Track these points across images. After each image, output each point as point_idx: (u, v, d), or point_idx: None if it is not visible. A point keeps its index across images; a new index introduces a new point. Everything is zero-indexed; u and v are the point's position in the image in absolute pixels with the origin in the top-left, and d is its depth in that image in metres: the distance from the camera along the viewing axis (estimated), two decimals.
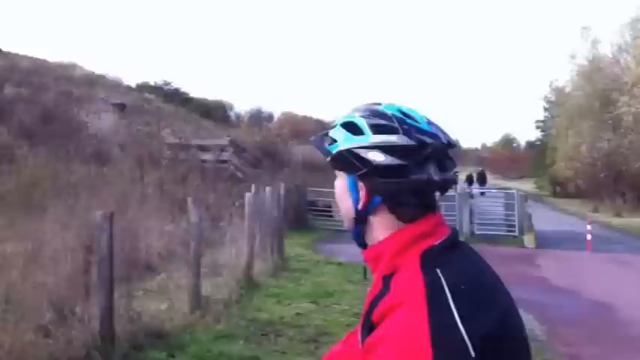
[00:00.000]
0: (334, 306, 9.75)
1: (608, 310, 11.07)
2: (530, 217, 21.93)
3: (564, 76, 53.77)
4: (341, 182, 1.63)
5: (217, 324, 7.85)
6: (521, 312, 6.10)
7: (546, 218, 29.40)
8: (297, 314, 9.04)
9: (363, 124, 1.57)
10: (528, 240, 20.93)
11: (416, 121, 1.57)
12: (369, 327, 1.44)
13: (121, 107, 25.90)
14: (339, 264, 14.15)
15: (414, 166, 1.51)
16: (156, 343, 6.84)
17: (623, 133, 40.62)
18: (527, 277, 14.35)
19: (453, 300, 1.39)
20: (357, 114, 1.61)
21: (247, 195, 11.81)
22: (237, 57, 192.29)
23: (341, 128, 1.61)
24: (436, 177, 1.53)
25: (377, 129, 1.55)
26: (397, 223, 1.55)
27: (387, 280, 1.49)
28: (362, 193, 1.57)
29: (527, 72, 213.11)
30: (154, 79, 42.01)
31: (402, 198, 1.55)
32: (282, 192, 15.04)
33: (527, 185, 66.96)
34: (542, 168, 60.29)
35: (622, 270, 16.25)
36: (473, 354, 1.33)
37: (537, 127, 68.66)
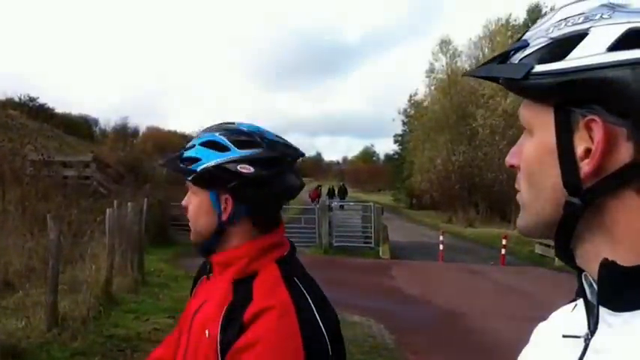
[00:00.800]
0: None
1: (456, 318, 11.45)
2: (385, 228, 22.42)
3: (423, 89, 54.43)
4: (199, 199, 1.74)
5: (74, 341, 7.76)
6: (373, 321, 6.76)
7: (402, 230, 30.21)
8: (155, 329, 9.03)
9: (225, 140, 1.69)
10: (383, 251, 21.43)
11: (270, 136, 1.74)
12: (239, 326, 1.55)
13: None
14: None
15: (277, 175, 1.70)
16: None
17: (478, 145, 41.91)
18: (381, 287, 14.73)
19: (314, 306, 1.60)
20: (216, 133, 1.71)
21: (108, 211, 11.80)
22: (104, 71, 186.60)
23: (202, 147, 1.71)
24: (295, 184, 1.75)
25: (241, 144, 1.69)
26: (252, 233, 1.72)
27: (241, 284, 1.64)
28: (226, 206, 1.70)
29: (390, 84, 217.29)
30: (18, 94, 40.46)
31: (265, 206, 1.73)
32: (144, 207, 15.04)
33: (385, 198, 67.88)
34: (400, 181, 61.11)
35: (471, 279, 16.87)
36: (330, 352, 1.56)
37: (395, 142, 68.95)
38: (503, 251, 20.80)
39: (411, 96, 57.98)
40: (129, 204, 13.53)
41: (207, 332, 1.64)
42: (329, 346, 1.57)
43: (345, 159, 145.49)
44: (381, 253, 21.48)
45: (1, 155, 18.57)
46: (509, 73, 0.87)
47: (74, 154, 25.53)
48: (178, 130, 59.85)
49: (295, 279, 1.66)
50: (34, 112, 35.50)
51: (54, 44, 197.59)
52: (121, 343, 8.15)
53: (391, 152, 75.41)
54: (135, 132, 56.15)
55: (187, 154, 1.75)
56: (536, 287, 14.96)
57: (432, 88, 50.04)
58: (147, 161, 31.08)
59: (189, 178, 1.74)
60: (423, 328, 10.79)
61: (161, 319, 9.83)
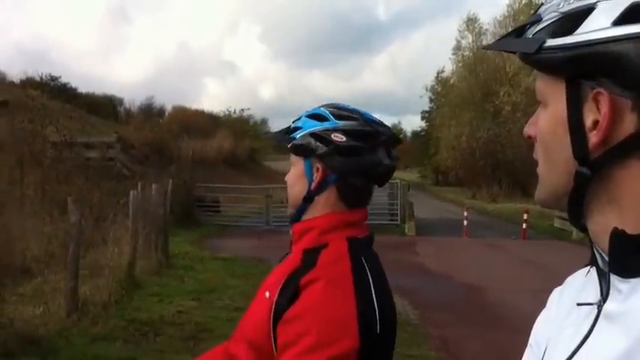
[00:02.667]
0: (216, 302, 9.85)
1: (478, 293, 11.65)
2: (411, 205, 22.61)
3: (450, 66, 55.12)
4: (296, 167, 1.83)
5: (94, 326, 7.76)
6: (397, 297, 6.63)
7: (428, 206, 30.43)
8: (179, 312, 9.03)
9: (326, 112, 1.81)
10: (409, 228, 21.60)
11: (370, 115, 1.83)
12: (293, 290, 1.63)
13: (3, 104, 24.97)
14: (224, 259, 14.28)
15: (368, 148, 1.76)
16: (28, 349, 6.69)
17: (502, 122, 42.26)
18: (406, 264, 14.81)
19: (374, 287, 1.67)
20: (322, 107, 1.84)
21: (132, 193, 11.76)
22: (130, 50, 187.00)
23: (306, 118, 1.83)
24: (385, 161, 1.78)
25: (339, 116, 1.79)
26: (337, 205, 1.79)
27: (310, 253, 1.73)
28: (317, 174, 1.78)
29: (419, 61, 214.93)
30: (40, 72, 40.34)
31: (353, 178, 1.78)
32: (169, 189, 14.99)
33: (412, 175, 68.29)
34: (426, 157, 61.39)
35: (493, 254, 17.12)
36: (379, 331, 1.63)
37: (422, 118, 69.53)
38: (524, 226, 21.09)
39: (438, 73, 58.91)
40: (153, 185, 13.48)
41: (267, 294, 1.73)
42: (378, 326, 1.63)
43: None
44: (406, 230, 21.65)
45: (20, 137, 18.51)
46: (523, 47, 0.90)
47: (97, 135, 25.46)
48: (206, 110, 59.91)
49: (362, 258, 1.72)
50: (55, 91, 35.43)
51: (77, 22, 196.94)
52: (143, 327, 8.10)
53: (418, 129, 75.50)
54: (161, 111, 55.85)
55: (294, 124, 1.86)
56: (555, 260, 15.03)
57: (460, 65, 50.41)
58: (172, 141, 31.05)
59: (289, 146, 1.85)
60: (446, 303, 11.00)
61: (185, 301, 9.82)
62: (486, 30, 47.69)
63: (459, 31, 50.08)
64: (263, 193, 24.10)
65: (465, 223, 21.57)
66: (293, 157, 1.86)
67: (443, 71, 57.30)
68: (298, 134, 1.82)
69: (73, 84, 43.69)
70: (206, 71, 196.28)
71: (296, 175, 1.84)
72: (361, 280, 1.66)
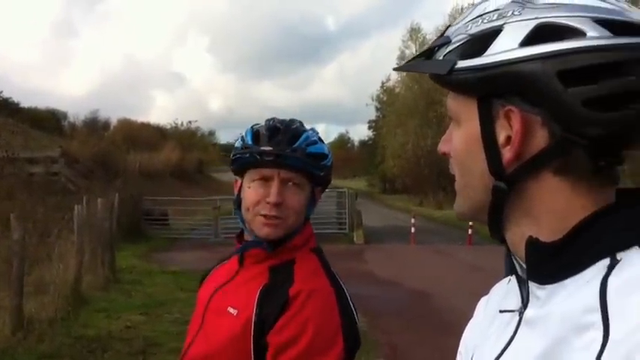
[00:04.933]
0: (165, 315, 9.80)
1: (426, 299, 11.71)
2: (360, 213, 22.66)
3: (395, 76, 55.76)
4: (305, 193, 1.85)
5: (41, 344, 7.65)
6: None
7: (376, 214, 30.46)
8: (127, 327, 8.98)
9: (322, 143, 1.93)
10: (357, 236, 21.63)
11: None
12: (282, 303, 1.70)
13: None
14: (173, 273, 14.14)
15: None
16: None
17: (445, 130, 42.98)
18: (354, 272, 14.74)
19: (348, 296, 1.80)
20: (320, 140, 1.93)
21: (77, 207, 11.62)
22: (74, 62, 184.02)
23: (322, 143, 1.92)
24: None
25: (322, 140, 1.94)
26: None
27: (280, 269, 1.80)
28: (318, 197, 1.92)
29: (368, 71, 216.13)
30: None
31: None
32: (116, 202, 14.83)
33: (360, 183, 68.46)
34: (373, 166, 61.59)
35: (441, 260, 17.26)
36: (357, 339, 1.75)
37: (370, 127, 69.56)
38: (470, 231, 21.17)
39: (383, 83, 59.46)
40: (99, 200, 13.33)
41: (232, 310, 1.77)
42: (358, 331, 1.77)
43: None
44: (355, 239, 21.65)
45: None
46: (434, 69, 0.92)
47: (41, 149, 25.02)
48: (153, 122, 59.48)
49: (331, 269, 1.85)
50: None
51: (21, 36, 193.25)
52: (91, 344, 8.04)
53: (365, 138, 75.90)
54: (106, 125, 55.21)
55: (315, 149, 1.87)
56: (500, 265, 14.96)
57: (404, 74, 50.82)
58: (118, 155, 30.71)
59: (321, 173, 1.88)
60: (394, 310, 11.02)
61: (133, 316, 9.76)
62: (429, 40, 48.25)
63: (403, 41, 51.59)
64: (211, 204, 23.96)
65: (413, 230, 21.65)
66: (302, 181, 1.84)
67: (388, 80, 57.90)
68: (328, 162, 1.90)
69: (16, 98, 42.97)
70: (154, 83, 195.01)
71: (304, 200, 1.85)
72: (340, 292, 1.78)
